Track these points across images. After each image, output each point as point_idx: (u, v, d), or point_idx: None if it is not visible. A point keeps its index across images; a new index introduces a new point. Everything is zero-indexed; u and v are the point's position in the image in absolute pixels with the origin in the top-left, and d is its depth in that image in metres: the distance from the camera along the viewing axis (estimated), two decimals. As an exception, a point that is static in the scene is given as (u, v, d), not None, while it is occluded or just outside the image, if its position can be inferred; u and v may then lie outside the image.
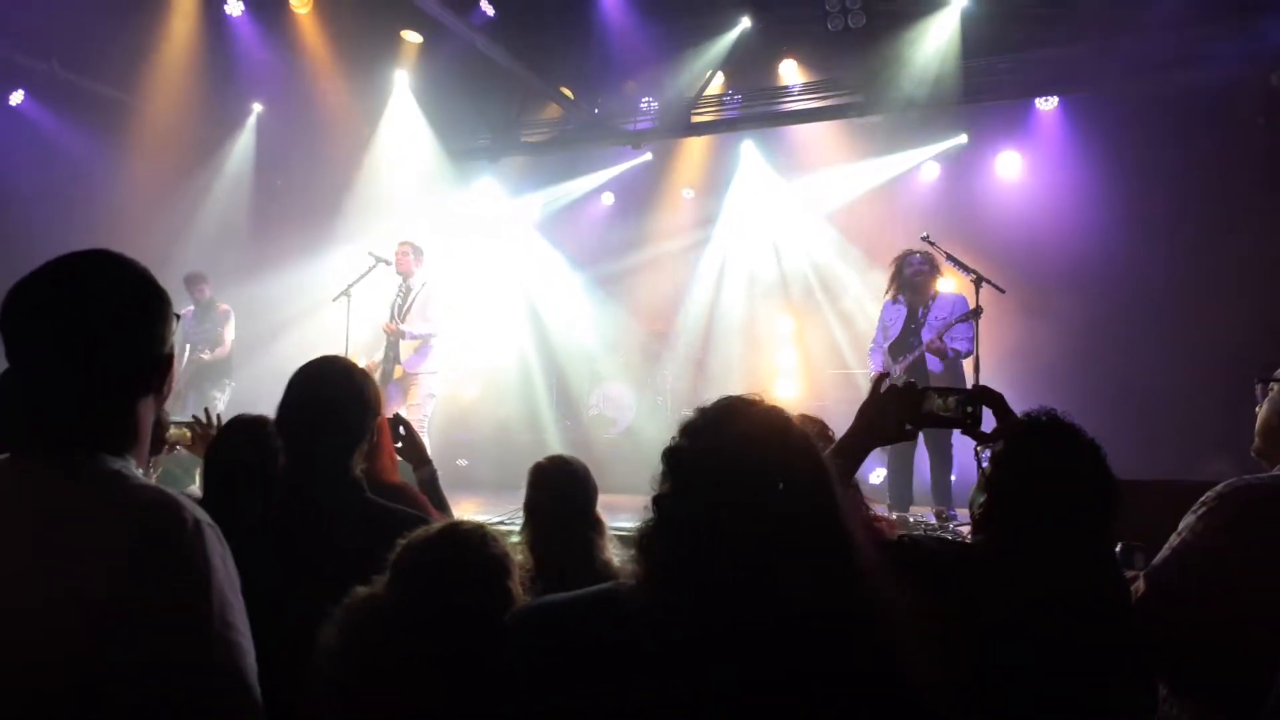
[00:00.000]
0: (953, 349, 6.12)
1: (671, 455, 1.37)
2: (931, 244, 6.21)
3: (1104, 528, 1.80)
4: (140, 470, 1.36)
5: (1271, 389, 2.06)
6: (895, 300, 6.58)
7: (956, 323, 6.07)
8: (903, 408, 1.97)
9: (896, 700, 1.27)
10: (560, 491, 2.75)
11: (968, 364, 6.12)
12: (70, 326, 1.29)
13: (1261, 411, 2.09)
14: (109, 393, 1.32)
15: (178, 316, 1.46)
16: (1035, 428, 1.85)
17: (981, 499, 1.87)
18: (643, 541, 1.36)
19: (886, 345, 6.50)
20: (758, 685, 1.23)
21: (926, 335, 6.27)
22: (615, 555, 2.66)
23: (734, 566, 1.27)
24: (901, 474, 6.35)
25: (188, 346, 8.31)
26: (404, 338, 7.32)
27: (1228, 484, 1.92)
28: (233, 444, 2.50)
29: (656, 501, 1.36)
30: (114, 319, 1.31)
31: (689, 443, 1.38)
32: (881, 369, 6.42)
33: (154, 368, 1.36)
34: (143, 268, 1.38)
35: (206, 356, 8.21)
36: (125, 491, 1.25)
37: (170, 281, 7.69)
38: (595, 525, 2.73)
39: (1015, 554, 1.77)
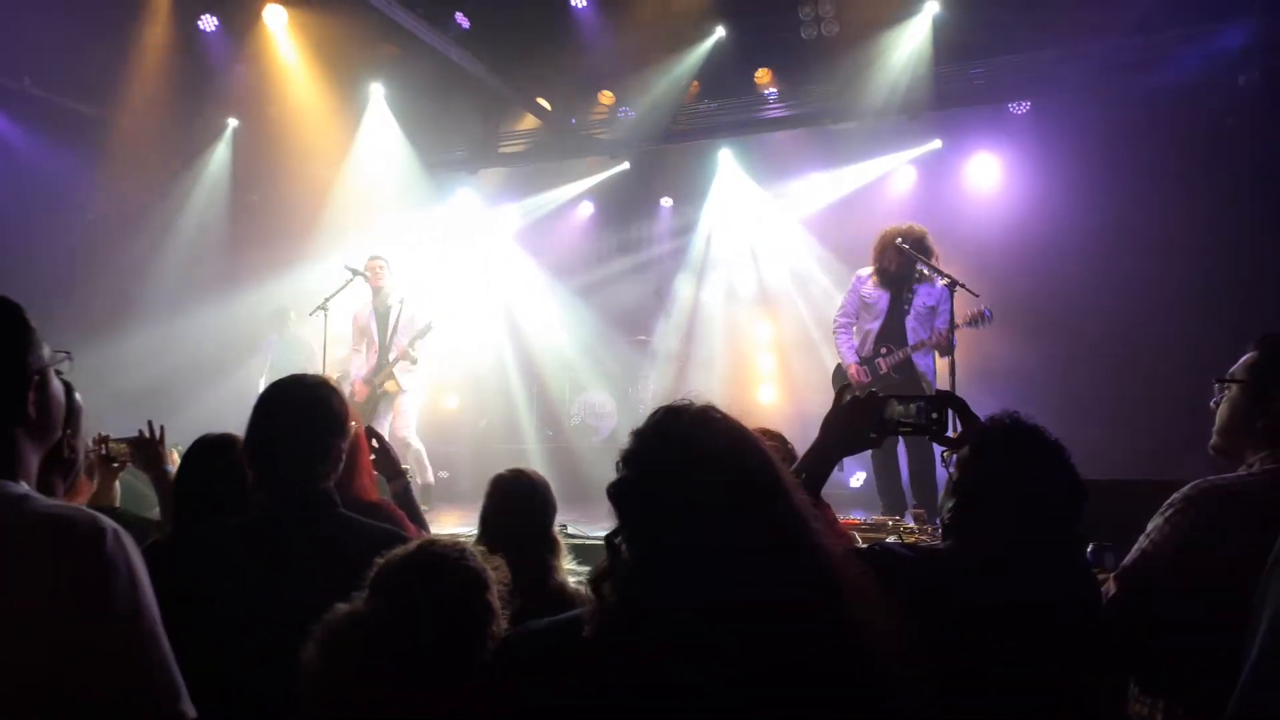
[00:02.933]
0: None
1: (612, 490, 1.38)
2: (906, 248, 6.07)
3: (1072, 527, 1.81)
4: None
5: (1229, 388, 2.09)
6: (877, 274, 6.15)
7: (963, 325, 5.73)
8: (866, 417, 1.97)
9: (865, 710, 1.27)
10: (516, 506, 2.73)
11: (943, 365, 5.87)
12: None
13: (1220, 410, 2.12)
14: None
15: (68, 356, 1.51)
16: (999, 431, 1.86)
17: (950, 504, 1.89)
18: (594, 582, 1.37)
19: (874, 329, 6.07)
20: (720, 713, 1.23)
21: (911, 324, 5.98)
22: (572, 574, 2.64)
23: (683, 599, 1.26)
24: (889, 477, 6.07)
25: (266, 366, 8.48)
26: (414, 362, 7.28)
27: (1194, 485, 1.95)
28: (200, 463, 2.49)
29: (607, 540, 1.37)
30: None
31: (625, 471, 1.38)
32: (854, 356, 6.10)
33: (13, 396, 1.39)
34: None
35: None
36: (36, 510, 1.29)
37: (149, 295, 7.68)
38: (551, 545, 2.70)
39: (984, 557, 1.79)
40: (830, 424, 1.98)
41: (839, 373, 6.23)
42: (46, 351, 1.45)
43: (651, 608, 1.29)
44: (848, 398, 1.98)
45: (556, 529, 2.83)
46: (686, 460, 1.34)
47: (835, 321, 6.35)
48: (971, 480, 1.85)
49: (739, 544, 1.28)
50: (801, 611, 1.26)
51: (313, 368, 8.26)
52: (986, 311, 5.76)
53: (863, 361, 6.07)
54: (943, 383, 5.93)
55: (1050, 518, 1.79)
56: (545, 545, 2.69)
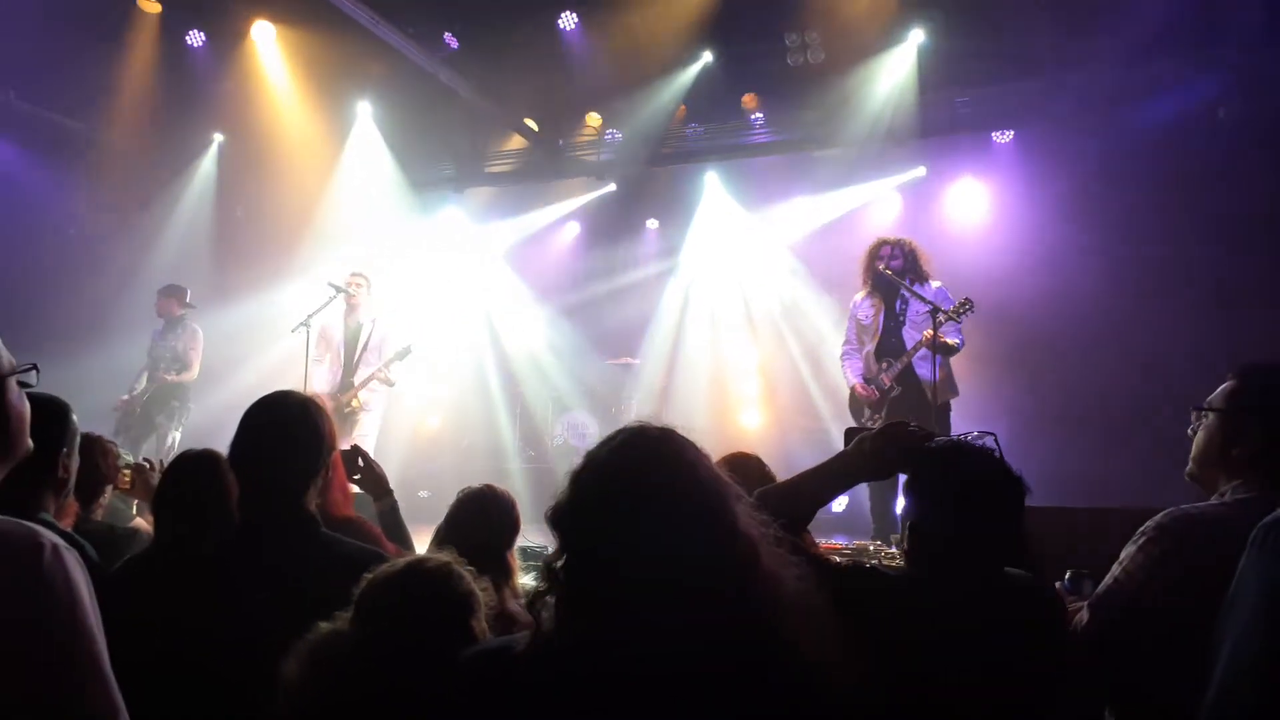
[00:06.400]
0: (951, 342, 5.78)
1: (550, 514, 1.37)
2: (890, 274, 6.09)
3: (1015, 536, 1.81)
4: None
5: (1206, 417, 2.10)
6: (868, 295, 6.22)
7: (946, 321, 5.71)
8: (888, 453, 1.90)
9: None
10: (472, 523, 2.69)
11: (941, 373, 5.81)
12: None
13: (1196, 438, 2.13)
14: None
15: (35, 368, 1.47)
16: (938, 455, 1.87)
17: (905, 529, 1.90)
18: (531, 603, 1.37)
19: (872, 348, 6.08)
20: None
21: (908, 333, 5.96)
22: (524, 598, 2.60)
23: (615, 629, 1.26)
24: (883, 502, 5.93)
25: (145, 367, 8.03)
26: (391, 385, 7.29)
27: (1167, 514, 1.96)
28: (182, 479, 2.46)
29: (545, 564, 1.36)
30: None
31: (568, 494, 1.37)
32: (862, 376, 6.11)
33: None
34: None
35: (172, 378, 7.73)
36: None
37: (133, 310, 7.53)
38: (504, 569, 2.64)
39: (937, 578, 1.80)
40: (864, 449, 1.90)
41: (854, 399, 6.28)
42: (5, 361, 1.40)
43: (584, 634, 1.28)
44: (891, 430, 1.92)
45: (516, 551, 2.78)
46: (626, 489, 1.32)
47: (841, 351, 6.41)
48: (915, 505, 1.86)
49: (676, 579, 1.26)
50: (734, 648, 1.25)
51: (196, 353, 7.91)
52: (968, 300, 5.73)
53: (867, 381, 6.08)
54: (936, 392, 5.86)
55: (995, 537, 1.79)
56: (497, 569, 2.64)
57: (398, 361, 7.23)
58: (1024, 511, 1.80)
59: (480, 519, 2.70)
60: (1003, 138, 8.86)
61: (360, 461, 2.88)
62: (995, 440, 1.88)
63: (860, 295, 6.32)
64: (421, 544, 3.18)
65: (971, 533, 1.77)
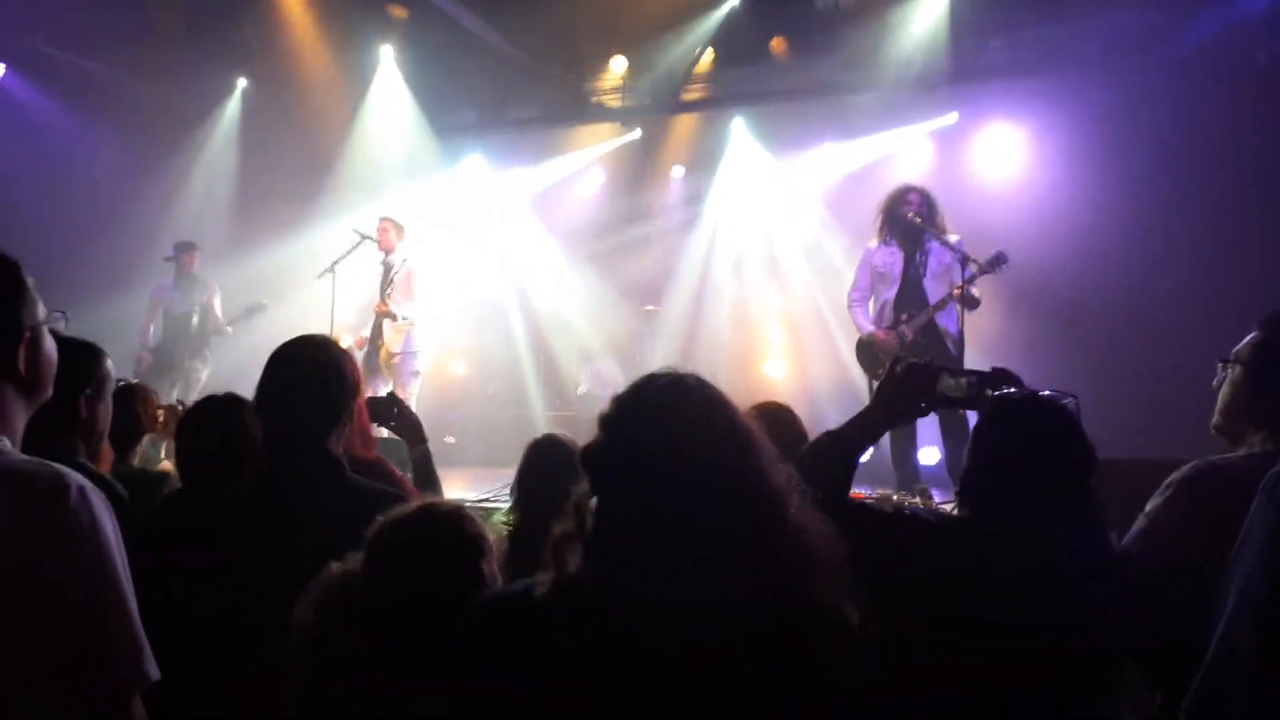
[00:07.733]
0: (976, 294, 5.68)
1: (583, 455, 1.39)
2: (919, 222, 5.99)
3: (1083, 496, 1.82)
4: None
5: (1232, 368, 2.07)
6: (885, 243, 6.00)
7: (980, 274, 5.59)
8: (921, 387, 1.93)
9: (823, 691, 1.27)
10: (552, 471, 2.74)
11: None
12: None
13: (1222, 390, 2.11)
14: None
15: (64, 316, 1.51)
16: (1004, 399, 1.88)
17: (962, 471, 1.92)
18: (557, 547, 1.38)
19: (891, 296, 5.90)
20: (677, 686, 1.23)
21: (929, 284, 5.81)
22: None
23: (639, 573, 1.27)
24: (907, 452, 5.87)
25: (160, 312, 8.24)
26: (394, 319, 7.27)
27: (1193, 466, 1.95)
28: (203, 423, 2.49)
29: (575, 506, 1.38)
30: None
31: (600, 436, 1.38)
32: (872, 326, 5.97)
33: (1, 352, 1.38)
34: None
35: (217, 333, 8.14)
36: (5, 465, 1.29)
37: (158, 254, 7.61)
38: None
39: (989, 523, 1.82)
40: (884, 393, 1.95)
41: (863, 347, 6.10)
42: (40, 309, 1.44)
43: (609, 578, 1.29)
44: (900, 368, 1.95)
45: None
46: (656, 429, 1.33)
47: (849, 299, 6.24)
48: (984, 449, 1.88)
49: (702, 520, 1.27)
50: (758, 593, 1.26)
51: (215, 307, 8.16)
52: (1002, 254, 5.61)
53: (885, 330, 5.93)
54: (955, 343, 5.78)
55: (1061, 486, 1.80)
56: None
57: (391, 287, 7.25)
58: (1089, 477, 1.82)
59: (558, 466, 2.74)
60: (1037, 82, 8.63)
61: (395, 409, 2.91)
62: (1076, 404, 1.88)
63: (875, 242, 6.12)
64: (447, 490, 3.22)
65: (1032, 486, 1.79)
